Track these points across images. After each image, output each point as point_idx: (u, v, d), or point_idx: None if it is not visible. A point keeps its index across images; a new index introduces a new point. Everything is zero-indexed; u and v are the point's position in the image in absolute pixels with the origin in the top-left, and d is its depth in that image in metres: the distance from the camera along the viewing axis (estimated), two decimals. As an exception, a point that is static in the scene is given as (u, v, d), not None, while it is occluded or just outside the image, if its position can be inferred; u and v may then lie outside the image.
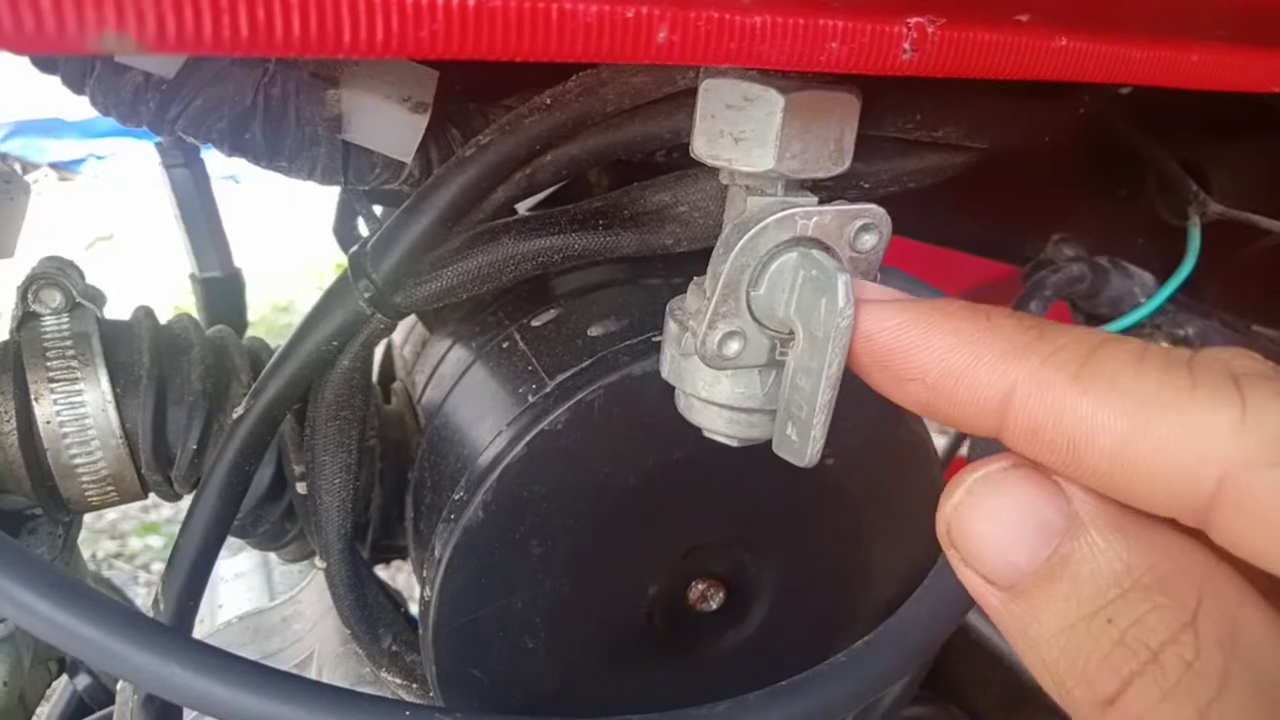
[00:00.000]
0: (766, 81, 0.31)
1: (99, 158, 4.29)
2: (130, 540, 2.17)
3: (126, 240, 3.67)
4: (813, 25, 0.26)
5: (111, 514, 2.16)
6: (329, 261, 3.40)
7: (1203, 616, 0.18)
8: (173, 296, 2.90)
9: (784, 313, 0.31)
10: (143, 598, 1.91)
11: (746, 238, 0.31)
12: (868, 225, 0.32)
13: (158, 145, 0.63)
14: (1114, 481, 0.19)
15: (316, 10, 0.21)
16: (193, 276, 0.66)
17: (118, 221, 3.78)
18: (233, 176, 3.70)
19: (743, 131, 0.32)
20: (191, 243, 0.64)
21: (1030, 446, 0.21)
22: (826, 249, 0.32)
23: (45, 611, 0.33)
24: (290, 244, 3.51)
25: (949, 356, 0.22)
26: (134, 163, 4.08)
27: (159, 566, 2.09)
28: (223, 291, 0.66)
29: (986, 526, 0.21)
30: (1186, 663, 0.18)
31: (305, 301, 3.26)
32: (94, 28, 0.19)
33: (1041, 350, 0.21)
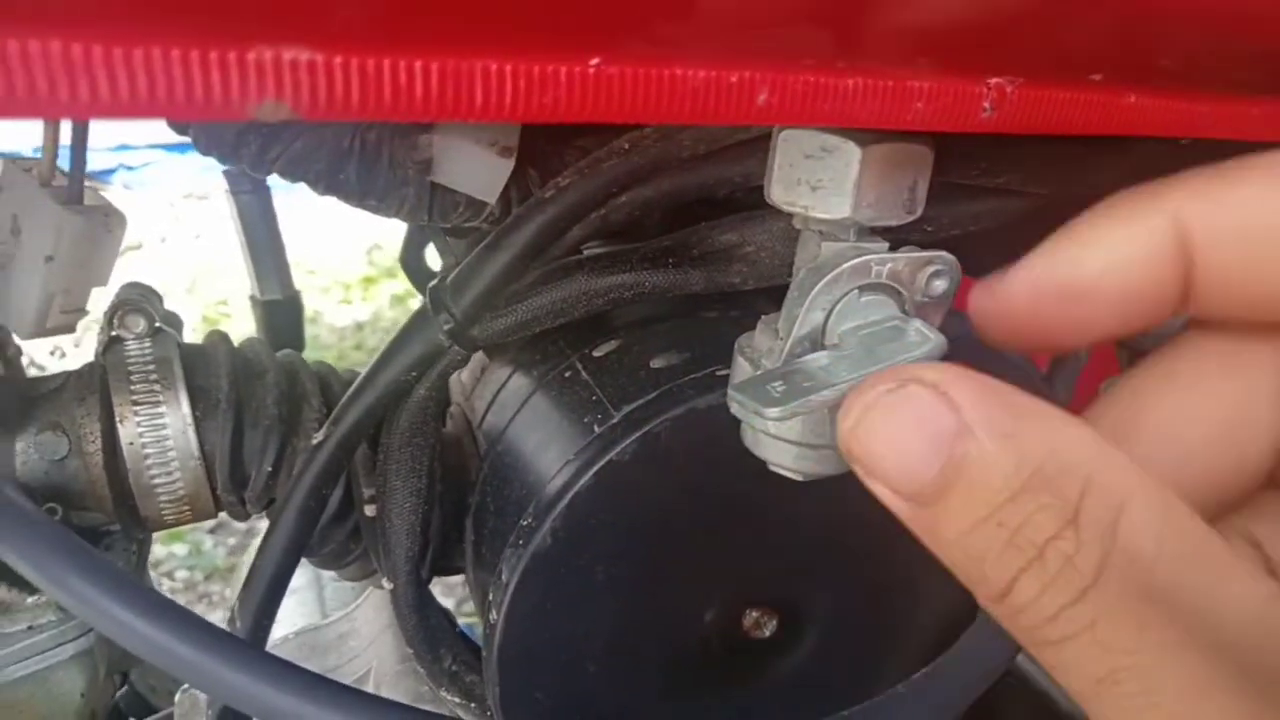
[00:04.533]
0: (845, 134, 0.32)
1: (130, 168, 4.35)
2: (155, 548, 2.18)
3: (155, 250, 3.72)
4: (901, 87, 0.28)
5: (140, 523, 2.18)
6: (355, 275, 3.43)
7: (1084, 511, 0.19)
8: (200, 307, 2.93)
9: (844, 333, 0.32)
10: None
11: (824, 283, 0.33)
12: (939, 271, 0.34)
13: (225, 172, 0.65)
14: None
15: (453, 79, 0.23)
16: (253, 298, 0.68)
17: (147, 231, 3.83)
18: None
19: (820, 180, 0.33)
20: (255, 266, 0.66)
21: (1218, 256, 0.22)
22: (898, 294, 0.34)
23: (143, 630, 0.35)
24: (316, 259, 3.55)
25: (1109, 240, 0.24)
26: (165, 174, 4.13)
27: (183, 574, 2.11)
28: (283, 313, 0.68)
29: (881, 445, 0.22)
30: (1067, 556, 0.19)
31: (331, 314, 3.30)
32: (255, 97, 0.21)
33: (1175, 181, 0.23)
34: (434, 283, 0.40)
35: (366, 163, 0.36)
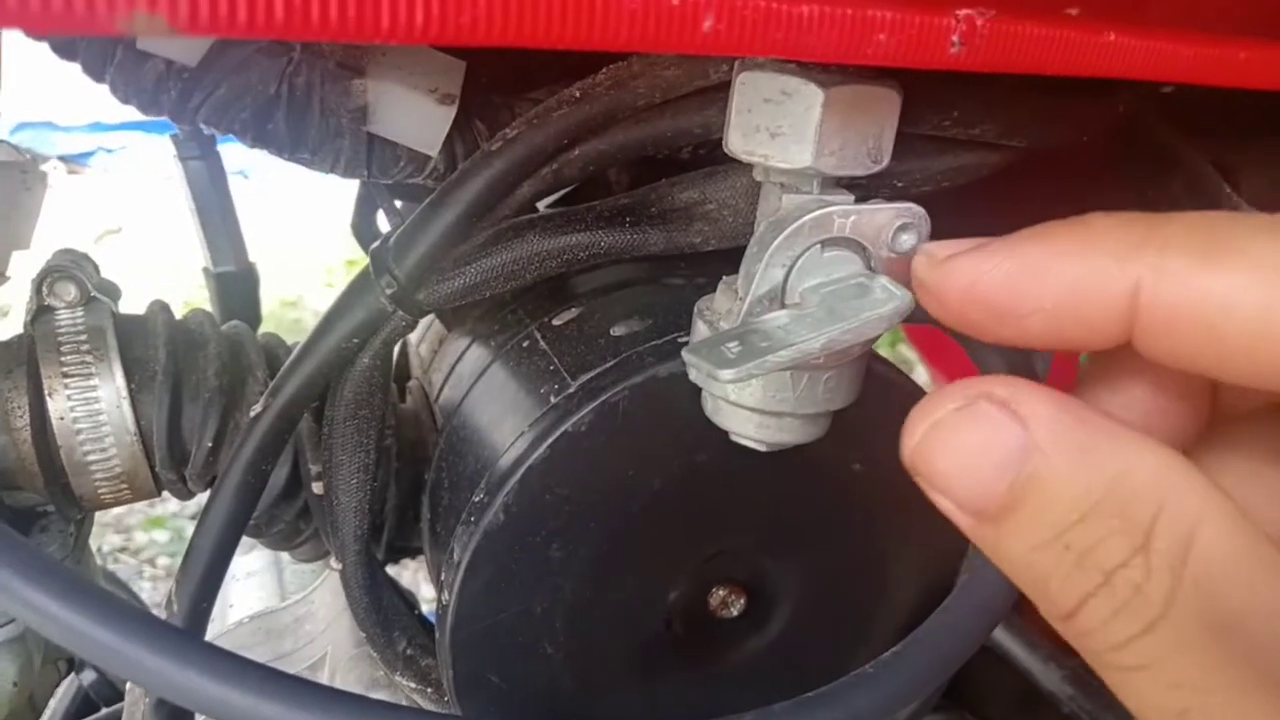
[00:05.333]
0: (806, 75, 0.30)
1: (108, 151, 4.30)
2: (136, 534, 2.16)
3: (135, 233, 3.67)
4: (860, 16, 0.25)
5: (117, 508, 2.16)
6: (337, 258, 3.40)
7: (1156, 538, 0.19)
8: (183, 291, 2.90)
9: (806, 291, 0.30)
10: (148, 592, 1.91)
11: (783, 236, 0.31)
12: (906, 225, 0.31)
13: (173, 137, 0.63)
14: (1259, 357, 0.19)
15: (356, -8, 0.20)
16: (206, 271, 0.65)
17: (126, 215, 3.78)
18: (241, 172, 3.70)
19: (780, 127, 0.31)
20: (206, 236, 0.64)
21: (1167, 341, 0.21)
22: (863, 249, 0.31)
23: (57, 613, 0.32)
24: (298, 240, 3.51)
25: (1063, 276, 0.22)
26: (143, 156, 4.08)
27: (164, 561, 2.09)
28: (237, 286, 0.65)
29: (948, 464, 0.21)
30: (1136, 585, 0.19)
31: (313, 297, 3.27)
32: (124, 8, 0.19)
33: (1155, 241, 0.21)
34: (376, 244, 0.38)
35: (296, 111, 0.33)
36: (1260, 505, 0.23)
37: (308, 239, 3.53)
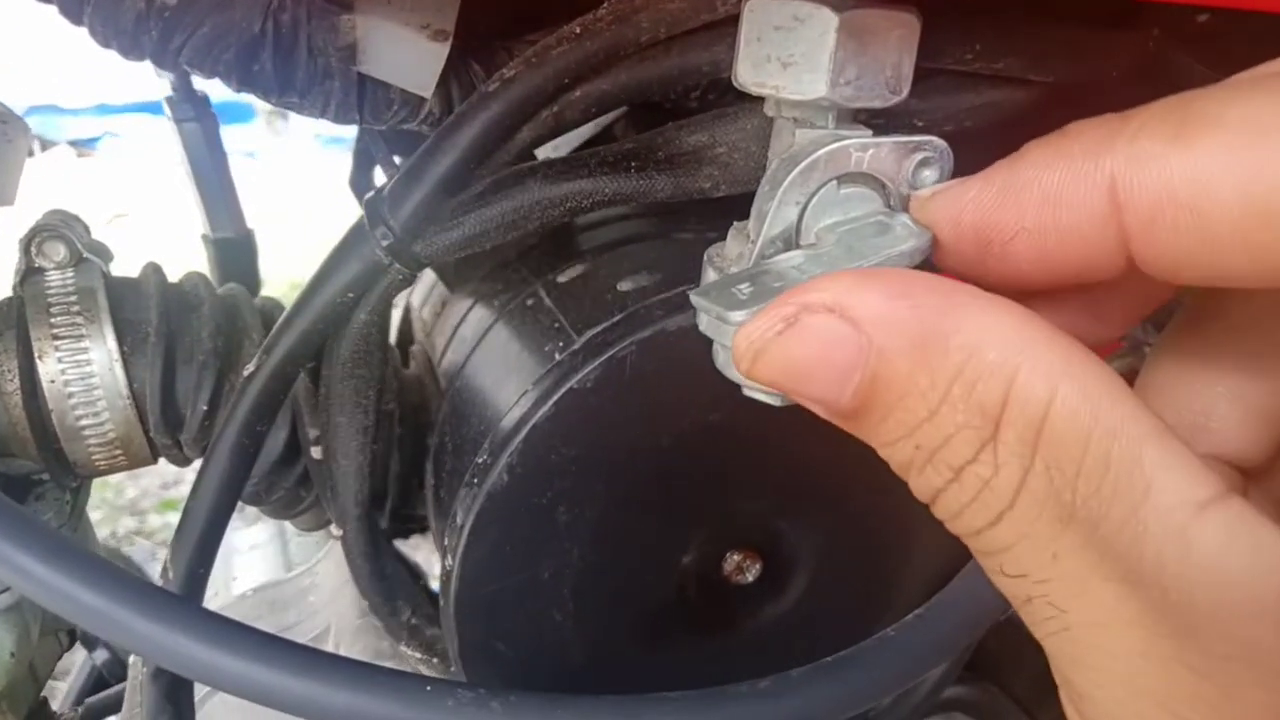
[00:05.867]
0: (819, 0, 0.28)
1: (115, 135, 4.29)
2: (150, 517, 2.17)
3: (143, 216, 3.67)
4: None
5: (131, 491, 2.16)
6: (341, 231, 3.39)
7: (1005, 426, 0.18)
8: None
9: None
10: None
11: (796, 172, 0.29)
12: (928, 159, 0.29)
13: (167, 99, 0.61)
14: (1253, 240, 0.17)
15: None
16: (204, 237, 0.64)
17: (134, 198, 3.77)
18: (251, 153, 3.69)
19: (792, 55, 0.29)
20: (203, 201, 0.62)
21: (1156, 244, 0.19)
22: (882, 186, 0.30)
23: (46, 577, 0.31)
24: (307, 221, 3.50)
25: (1038, 186, 0.20)
26: (150, 140, 4.07)
27: (179, 543, 2.09)
28: (235, 253, 0.64)
29: (785, 380, 0.21)
30: (984, 480, 0.19)
31: (322, 277, 3.26)
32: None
33: (1127, 129, 0.19)
34: (370, 194, 0.36)
35: (282, 51, 0.32)
36: None
37: (317, 220, 3.52)
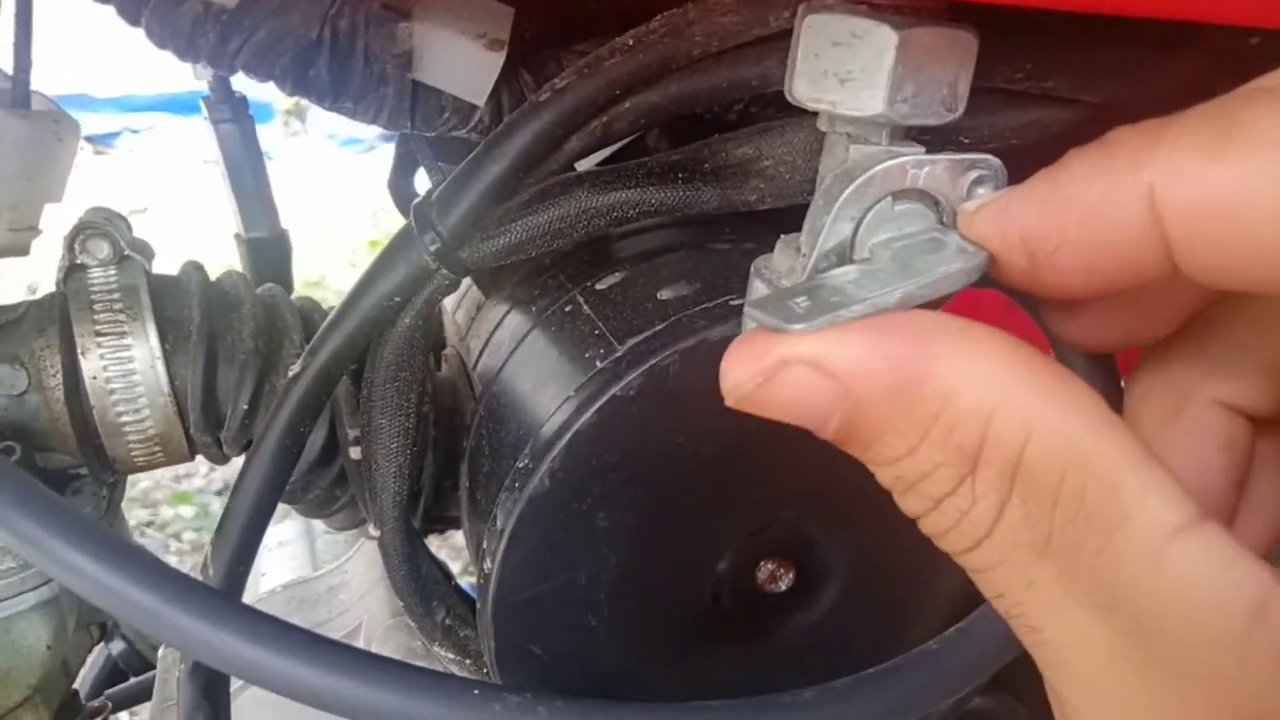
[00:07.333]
0: (878, 17, 0.29)
1: (134, 131, 4.31)
2: (162, 509, 2.18)
3: (161, 213, 3.69)
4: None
5: (144, 482, 2.17)
6: (360, 238, 3.40)
7: (983, 463, 0.19)
8: (212, 273, 2.90)
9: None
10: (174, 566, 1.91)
11: (852, 188, 0.29)
12: (982, 177, 0.30)
13: (204, 99, 0.62)
14: None
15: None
16: (238, 237, 0.64)
17: (152, 195, 3.79)
18: (266, 153, 3.70)
19: (850, 71, 0.29)
20: (238, 202, 0.62)
21: (1197, 255, 0.19)
22: (936, 203, 0.30)
23: (94, 573, 0.32)
24: (322, 219, 3.51)
25: (1078, 199, 0.20)
26: (169, 136, 4.09)
27: (190, 536, 2.09)
28: (269, 252, 0.64)
29: (774, 412, 0.22)
30: (962, 511, 0.20)
31: (336, 278, 3.27)
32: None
33: (1166, 138, 0.19)
34: (419, 200, 0.36)
35: (339, 56, 0.32)
36: None
37: (331, 219, 3.53)
